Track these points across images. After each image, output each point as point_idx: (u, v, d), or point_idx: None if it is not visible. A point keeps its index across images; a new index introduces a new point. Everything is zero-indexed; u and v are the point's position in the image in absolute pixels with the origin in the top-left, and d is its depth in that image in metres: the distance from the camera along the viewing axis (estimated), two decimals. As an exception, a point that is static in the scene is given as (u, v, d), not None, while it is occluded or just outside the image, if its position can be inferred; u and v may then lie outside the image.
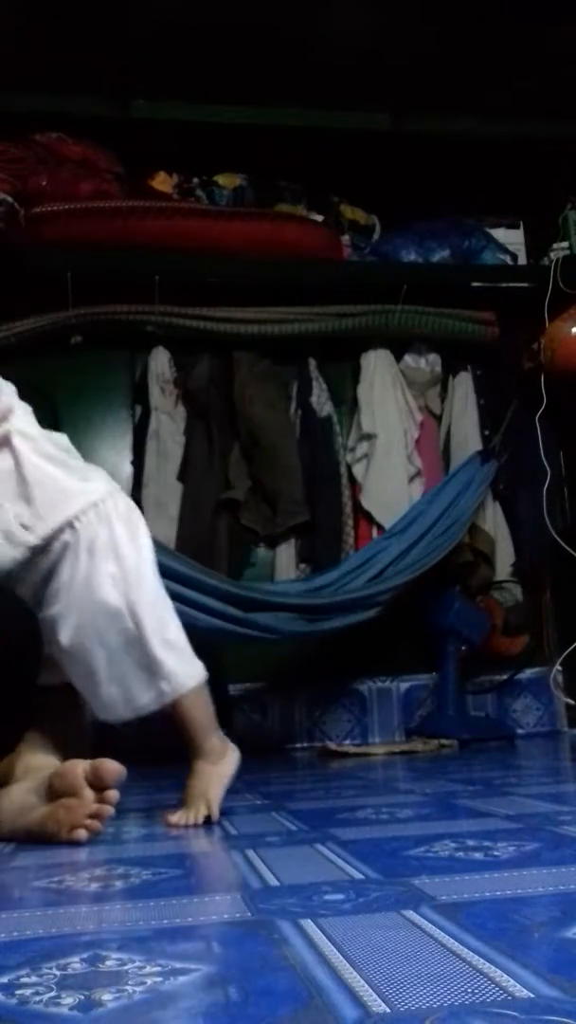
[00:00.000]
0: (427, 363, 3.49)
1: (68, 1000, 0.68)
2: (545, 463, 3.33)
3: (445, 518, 3.18)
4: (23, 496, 1.53)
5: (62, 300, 3.04)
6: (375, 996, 0.65)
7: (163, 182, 3.29)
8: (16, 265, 2.95)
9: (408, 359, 3.48)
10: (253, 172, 3.37)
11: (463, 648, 3.20)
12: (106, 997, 0.68)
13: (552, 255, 3.39)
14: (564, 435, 3.46)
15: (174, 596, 2.59)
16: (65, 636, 1.51)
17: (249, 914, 0.91)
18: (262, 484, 3.27)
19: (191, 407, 3.31)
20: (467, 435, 3.44)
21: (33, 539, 1.51)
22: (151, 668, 1.52)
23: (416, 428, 3.42)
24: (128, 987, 0.70)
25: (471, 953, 0.74)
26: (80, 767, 1.39)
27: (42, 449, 1.60)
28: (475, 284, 3.40)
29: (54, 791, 1.41)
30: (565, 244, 3.41)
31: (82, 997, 0.69)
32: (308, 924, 0.85)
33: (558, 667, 3.40)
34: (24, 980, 0.74)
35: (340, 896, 0.95)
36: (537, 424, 3.35)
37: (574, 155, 3.32)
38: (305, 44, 2.96)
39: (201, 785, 1.55)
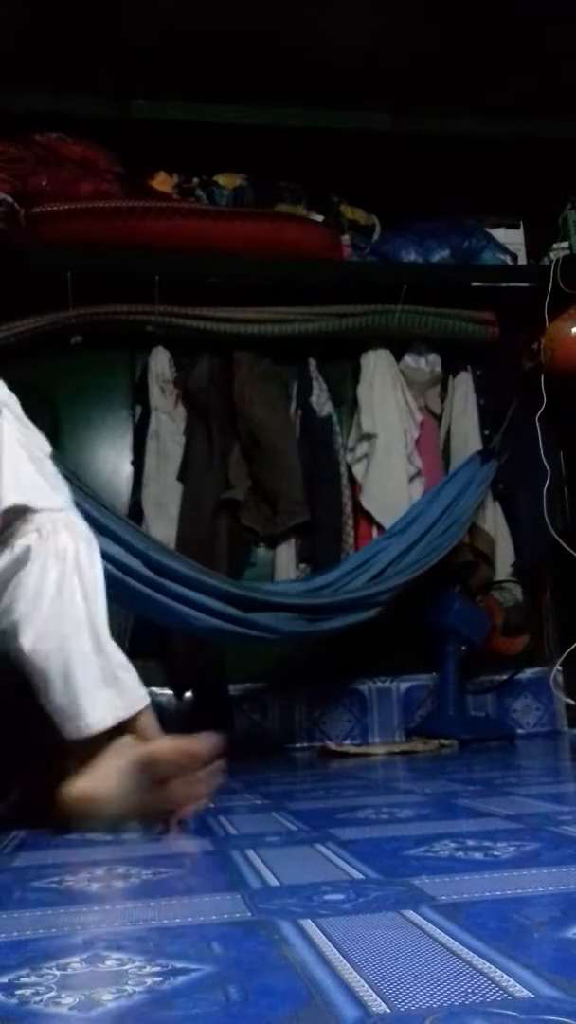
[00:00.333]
0: (427, 363, 3.49)
1: (68, 1000, 0.68)
2: (545, 463, 3.33)
3: (445, 518, 3.18)
4: None
5: (62, 300, 3.04)
6: (375, 996, 0.65)
7: (163, 182, 3.29)
8: (16, 265, 2.95)
9: (408, 359, 3.48)
10: (253, 172, 3.37)
11: (463, 648, 3.20)
12: (106, 997, 0.68)
13: (552, 255, 3.39)
14: (564, 435, 3.46)
15: (174, 596, 2.62)
16: (27, 642, 1.47)
17: (249, 914, 0.91)
18: (262, 484, 3.27)
19: (191, 407, 3.31)
20: (467, 435, 3.44)
21: None
22: (110, 683, 1.49)
23: (416, 428, 3.42)
24: (128, 987, 0.70)
25: (471, 953, 0.74)
26: (182, 748, 1.41)
27: (27, 439, 1.58)
28: (475, 284, 3.40)
29: (157, 773, 1.41)
30: (565, 244, 3.41)
31: (82, 997, 0.69)
32: (308, 924, 0.85)
33: (558, 667, 3.40)
34: (24, 980, 0.74)
35: (340, 896, 0.95)
36: (537, 424, 3.35)
37: (574, 155, 3.32)
38: (305, 44, 2.96)
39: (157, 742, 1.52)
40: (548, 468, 3.33)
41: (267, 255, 3.18)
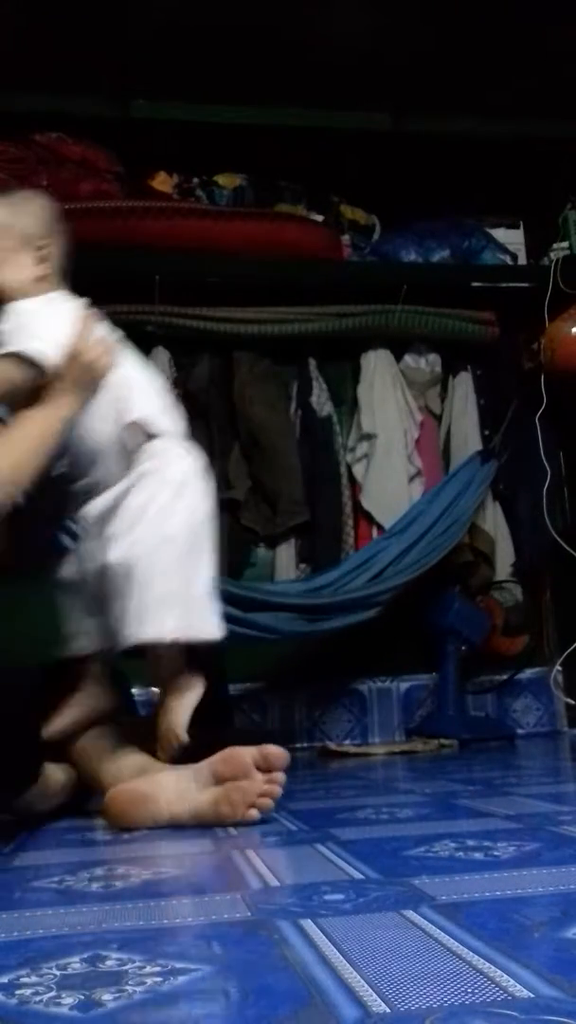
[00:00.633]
0: (427, 363, 3.49)
1: (68, 1000, 0.68)
2: (545, 463, 3.33)
3: (445, 518, 3.18)
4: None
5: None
6: (375, 996, 0.65)
7: (163, 182, 3.29)
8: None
9: (408, 359, 3.48)
10: (253, 172, 3.37)
11: (463, 648, 3.20)
12: (106, 997, 0.68)
13: (552, 255, 3.39)
14: (564, 435, 3.45)
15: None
16: (114, 554, 1.55)
17: (249, 914, 0.91)
18: (262, 484, 3.27)
19: (191, 407, 3.30)
20: (467, 435, 3.43)
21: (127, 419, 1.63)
22: (186, 605, 1.56)
23: (416, 428, 3.42)
24: (128, 987, 0.70)
25: (471, 953, 0.74)
26: (248, 753, 1.48)
27: (147, 372, 1.78)
28: (475, 284, 3.40)
29: (221, 775, 1.47)
30: (565, 244, 3.41)
31: (82, 997, 0.69)
32: (308, 924, 0.85)
33: (558, 667, 3.40)
34: (24, 980, 0.74)
35: (340, 896, 0.95)
36: (537, 424, 3.35)
37: (574, 155, 3.31)
38: (305, 44, 2.96)
39: (170, 717, 1.60)
40: (548, 468, 3.33)
41: (267, 255, 3.17)
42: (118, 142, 3.22)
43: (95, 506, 1.65)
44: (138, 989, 0.70)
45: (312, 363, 3.42)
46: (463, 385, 3.50)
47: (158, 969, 0.74)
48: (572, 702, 3.41)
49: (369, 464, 3.33)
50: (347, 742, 3.23)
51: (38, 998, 0.69)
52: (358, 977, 0.69)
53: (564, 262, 3.33)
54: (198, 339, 3.27)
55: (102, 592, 1.60)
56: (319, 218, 3.41)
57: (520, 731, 3.39)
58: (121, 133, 3.20)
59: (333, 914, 0.88)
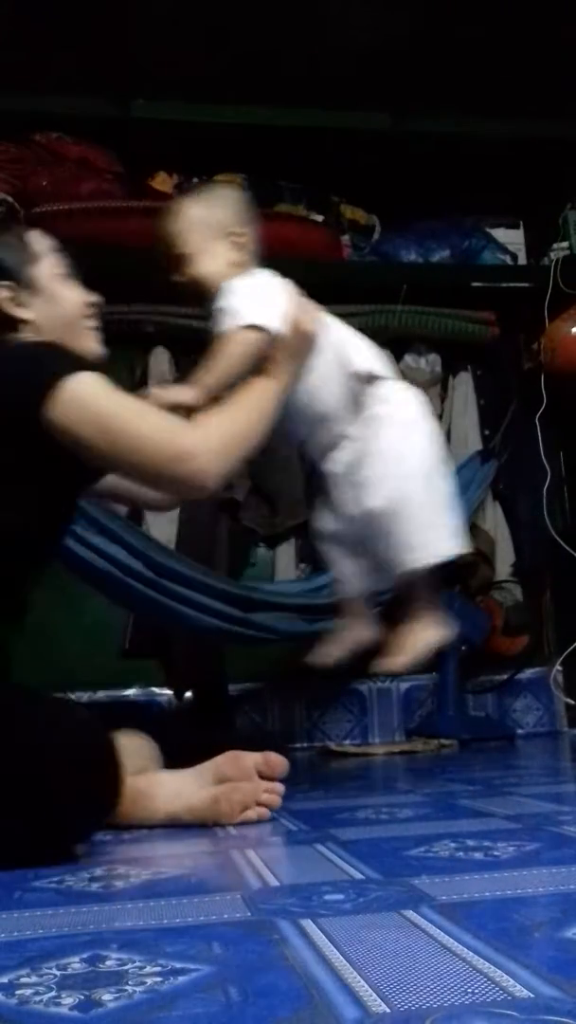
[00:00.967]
0: (427, 363, 3.49)
1: (68, 1000, 0.68)
2: (545, 463, 3.32)
3: (445, 518, 3.18)
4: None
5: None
6: (375, 996, 0.65)
7: (163, 182, 3.28)
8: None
9: (408, 359, 3.47)
10: (253, 172, 3.36)
11: (463, 648, 3.20)
12: (106, 997, 0.68)
13: (552, 255, 3.39)
14: (564, 435, 3.45)
15: (174, 596, 2.62)
16: (378, 500, 1.67)
17: (249, 914, 0.92)
18: (262, 484, 3.27)
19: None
20: (467, 435, 3.43)
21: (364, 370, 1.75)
22: (447, 528, 1.70)
23: (416, 428, 3.41)
24: (128, 987, 0.70)
25: (471, 953, 0.74)
26: (251, 757, 1.52)
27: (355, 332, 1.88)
28: (475, 284, 3.40)
29: (224, 777, 1.50)
30: (565, 244, 3.41)
31: (82, 997, 0.69)
32: (308, 924, 0.85)
33: (558, 667, 3.40)
34: (24, 980, 0.74)
35: (340, 896, 0.96)
36: (537, 424, 3.35)
37: (574, 155, 3.31)
38: (305, 44, 2.95)
39: (415, 635, 1.73)
40: (548, 468, 3.33)
41: (267, 255, 3.17)
42: (118, 142, 3.22)
43: (340, 457, 1.76)
44: (138, 989, 0.70)
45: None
46: (463, 385, 3.50)
47: (158, 969, 0.74)
48: (572, 702, 3.41)
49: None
50: (347, 742, 3.23)
51: (38, 998, 0.69)
52: (358, 977, 0.69)
53: (564, 262, 3.33)
54: (198, 339, 3.26)
55: (365, 536, 1.72)
56: (319, 218, 3.41)
57: (520, 731, 3.39)
58: (121, 133, 3.20)
59: (333, 914, 0.88)
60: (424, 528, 1.67)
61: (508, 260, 3.49)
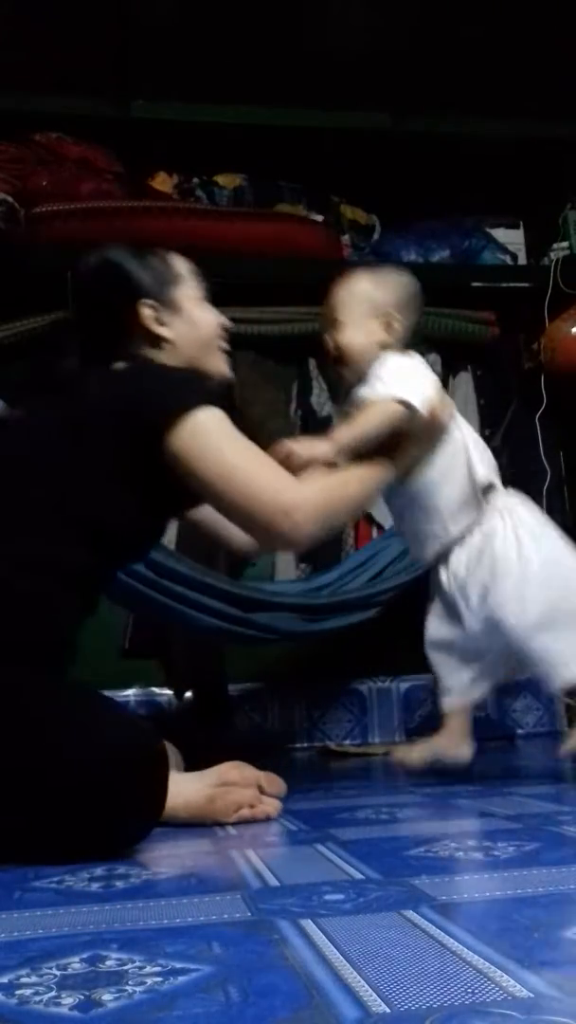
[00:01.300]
0: (427, 363, 3.48)
1: (68, 1000, 0.68)
2: (545, 463, 3.32)
3: (445, 518, 3.18)
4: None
5: (62, 300, 3.03)
6: (375, 996, 0.65)
7: (163, 182, 3.29)
8: (16, 265, 2.95)
9: (408, 359, 3.47)
10: (253, 172, 3.36)
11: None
12: (106, 997, 0.68)
13: (552, 255, 3.39)
14: (564, 435, 3.45)
15: (175, 596, 2.62)
16: (508, 613, 1.72)
17: (249, 914, 0.92)
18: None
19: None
20: (467, 435, 3.43)
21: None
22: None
23: (416, 428, 3.41)
24: (128, 987, 0.70)
25: (471, 953, 0.74)
26: (255, 770, 1.58)
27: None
28: (475, 284, 3.40)
29: (227, 780, 1.53)
30: (565, 244, 3.41)
31: (82, 997, 0.69)
32: (308, 924, 0.85)
33: (558, 667, 3.39)
34: (24, 980, 0.74)
35: (340, 896, 0.96)
36: (537, 424, 3.35)
37: (574, 155, 3.31)
38: (305, 44, 2.96)
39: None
40: (548, 468, 3.33)
41: (267, 255, 3.17)
42: (118, 142, 3.22)
43: (456, 563, 1.81)
44: (138, 989, 0.70)
45: (312, 363, 3.42)
46: (463, 385, 3.50)
47: (158, 969, 0.74)
48: (572, 702, 3.40)
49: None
50: (347, 742, 3.23)
51: (38, 998, 0.69)
52: (358, 977, 0.69)
53: (564, 262, 3.33)
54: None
55: (486, 646, 1.78)
56: (319, 218, 3.41)
57: (520, 731, 3.39)
58: (121, 133, 3.20)
59: (333, 914, 0.88)
60: (560, 646, 1.70)
61: (508, 260, 3.49)
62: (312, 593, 2.96)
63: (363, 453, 1.66)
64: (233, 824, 1.47)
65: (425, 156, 3.29)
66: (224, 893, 1.03)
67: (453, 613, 1.84)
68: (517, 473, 3.40)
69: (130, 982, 0.72)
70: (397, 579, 3.00)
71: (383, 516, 3.26)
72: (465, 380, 3.50)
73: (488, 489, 1.82)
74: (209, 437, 1.48)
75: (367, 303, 1.83)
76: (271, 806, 1.53)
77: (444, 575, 1.85)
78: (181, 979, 0.72)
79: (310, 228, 3.33)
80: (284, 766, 2.72)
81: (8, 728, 1.33)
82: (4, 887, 1.11)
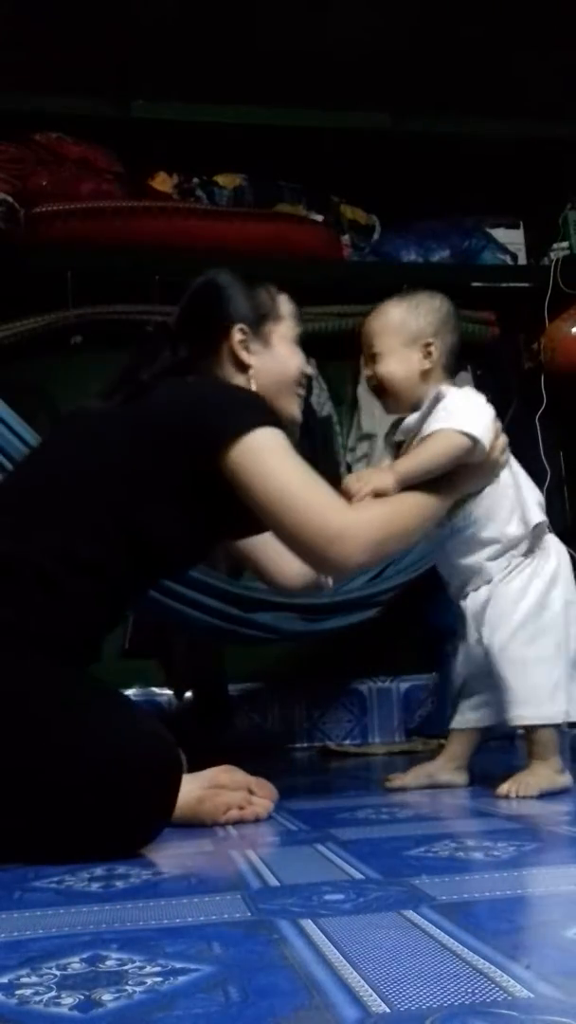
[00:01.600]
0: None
1: (68, 1000, 0.68)
2: (545, 463, 3.32)
3: (446, 518, 3.18)
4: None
5: (62, 300, 3.04)
6: (375, 996, 0.65)
7: (163, 182, 3.29)
8: (16, 265, 2.95)
9: (408, 359, 3.47)
10: (253, 172, 3.36)
11: (463, 648, 3.19)
12: (106, 997, 0.68)
13: (552, 255, 3.39)
14: (564, 435, 3.45)
15: (175, 596, 2.62)
16: (498, 642, 1.75)
17: (249, 914, 0.92)
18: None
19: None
20: (467, 435, 3.43)
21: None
22: (566, 689, 1.76)
23: (416, 428, 3.41)
24: (128, 987, 0.70)
25: (471, 953, 0.74)
26: (246, 775, 1.58)
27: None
28: (475, 284, 3.40)
29: (218, 783, 1.53)
30: (565, 244, 3.41)
31: (82, 997, 0.69)
32: (308, 924, 0.85)
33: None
34: (24, 980, 0.74)
35: (340, 896, 0.96)
36: (537, 424, 3.35)
37: (574, 155, 3.31)
38: (305, 44, 2.95)
39: (531, 777, 1.72)
40: (548, 468, 3.33)
41: (267, 255, 3.17)
42: (118, 142, 3.22)
43: (478, 598, 1.83)
44: (138, 989, 0.70)
45: (312, 363, 3.41)
46: (463, 385, 3.49)
47: (158, 969, 0.74)
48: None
49: (369, 464, 3.32)
50: (347, 742, 3.23)
51: (38, 998, 0.69)
52: (358, 977, 0.69)
53: (564, 262, 3.33)
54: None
55: (487, 672, 1.79)
56: (319, 218, 3.41)
57: (520, 731, 3.38)
58: (121, 133, 3.20)
59: (333, 914, 0.88)
60: (545, 686, 1.72)
61: (508, 260, 3.49)
62: (312, 593, 2.96)
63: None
64: (224, 825, 1.47)
65: (425, 156, 3.29)
66: (224, 893, 1.03)
67: (465, 639, 1.89)
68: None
69: (130, 982, 0.72)
70: (397, 579, 2.99)
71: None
72: (465, 380, 3.49)
73: (537, 528, 1.82)
74: (267, 455, 1.48)
75: (403, 332, 1.83)
76: (261, 807, 1.53)
77: (464, 604, 1.88)
78: (181, 979, 0.72)
79: (310, 228, 3.33)
80: (284, 766, 2.72)
81: (29, 723, 1.33)
82: (4, 887, 1.11)
